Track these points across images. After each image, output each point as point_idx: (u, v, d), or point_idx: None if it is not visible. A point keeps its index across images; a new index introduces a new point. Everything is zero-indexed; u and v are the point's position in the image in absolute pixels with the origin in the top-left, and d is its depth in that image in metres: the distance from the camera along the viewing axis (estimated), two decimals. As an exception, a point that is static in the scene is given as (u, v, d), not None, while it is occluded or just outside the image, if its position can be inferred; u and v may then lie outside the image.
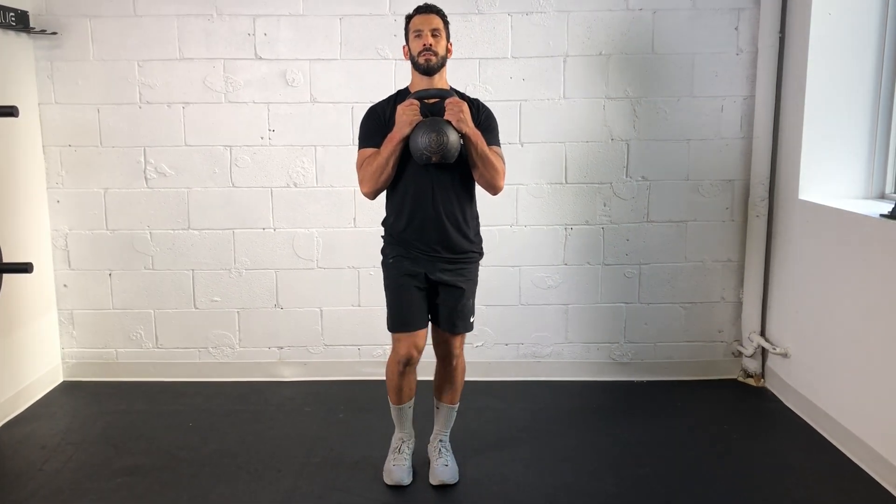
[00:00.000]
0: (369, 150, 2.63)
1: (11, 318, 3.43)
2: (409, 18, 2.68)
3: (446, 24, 2.67)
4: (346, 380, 3.82)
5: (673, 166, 3.70)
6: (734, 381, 3.81)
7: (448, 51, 2.67)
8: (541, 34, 3.60)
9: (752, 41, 3.61)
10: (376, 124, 2.65)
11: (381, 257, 2.77)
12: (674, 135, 3.68)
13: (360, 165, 2.64)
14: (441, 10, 2.67)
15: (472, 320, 2.77)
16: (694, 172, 3.71)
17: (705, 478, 2.86)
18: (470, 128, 2.53)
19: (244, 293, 3.80)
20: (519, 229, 3.75)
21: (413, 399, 2.82)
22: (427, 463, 2.91)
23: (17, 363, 3.48)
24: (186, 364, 3.84)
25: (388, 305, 2.74)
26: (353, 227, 3.74)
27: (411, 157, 2.56)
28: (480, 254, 2.79)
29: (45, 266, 3.70)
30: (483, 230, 2.82)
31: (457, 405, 2.89)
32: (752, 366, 3.78)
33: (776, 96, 3.57)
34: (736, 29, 3.61)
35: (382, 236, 2.78)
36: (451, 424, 2.92)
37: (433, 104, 2.60)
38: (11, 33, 3.42)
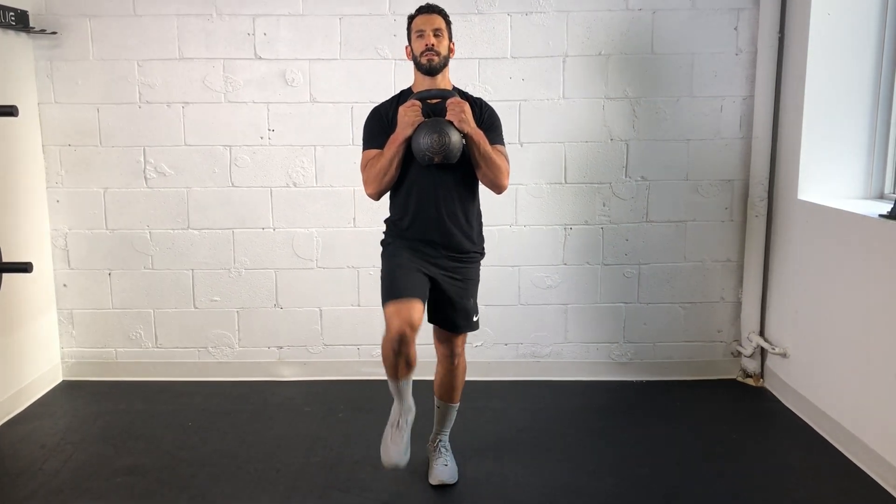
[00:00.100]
0: (373, 152, 2.63)
1: (11, 317, 3.43)
2: (411, 18, 2.67)
3: (448, 23, 2.67)
4: (345, 379, 3.82)
5: (672, 166, 3.71)
6: (733, 381, 3.82)
7: (450, 50, 2.67)
8: (540, 34, 3.61)
9: (752, 41, 3.61)
10: (379, 125, 2.65)
11: (381, 249, 2.74)
12: (673, 135, 3.68)
13: (364, 167, 2.64)
14: (443, 10, 2.67)
15: (475, 319, 2.77)
16: (693, 172, 3.71)
17: (704, 478, 2.86)
18: (472, 127, 2.53)
19: (244, 293, 3.80)
20: (518, 229, 3.75)
21: (412, 375, 2.59)
22: (427, 463, 2.91)
23: (16, 362, 3.48)
24: (186, 364, 3.84)
25: (382, 279, 2.65)
26: (352, 227, 3.74)
27: (415, 158, 2.56)
28: (482, 254, 2.79)
29: (44, 265, 3.70)
30: (483, 230, 2.82)
31: (457, 404, 2.89)
32: (752, 366, 3.78)
33: (775, 96, 3.57)
34: (735, 29, 3.61)
35: (384, 232, 2.77)
36: (451, 424, 2.92)
37: (435, 104, 2.60)
38: (11, 33, 3.42)
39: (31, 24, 3.51)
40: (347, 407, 3.52)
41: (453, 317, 2.71)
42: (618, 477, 2.86)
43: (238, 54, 3.62)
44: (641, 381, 3.82)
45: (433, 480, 2.80)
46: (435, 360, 2.85)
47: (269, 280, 3.79)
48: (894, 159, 3.30)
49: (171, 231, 3.75)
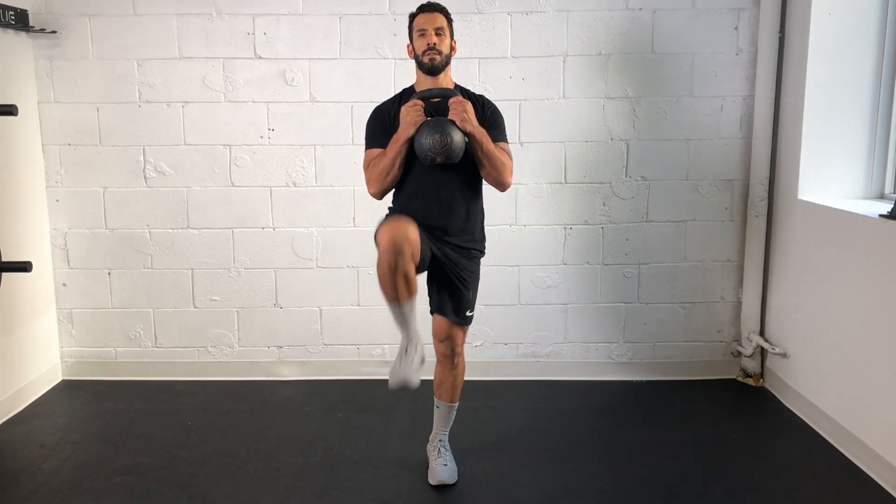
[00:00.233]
0: (376, 151, 2.63)
1: (11, 316, 3.43)
2: (412, 17, 2.67)
3: (450, 22, 2.67)
4: (345, 379, 3.81)
5: (672, 166, 3.71)
6: (733, 381, 3.82)
7: (452, 49, 2.67)
8: (540, 34, 3.60)
9: (752, 41, 3.61)
10: (381, 125, 2.65)
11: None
12: (673, 135, 3.68)
13: (367, 166, 2.64)
14: (444, 9, 2.67)
15: (469, 314, 2.76)
16: (693, 172, 3.71)
17: (704, 478, 2.86)
18: (474, 127, 2.53)
19: (243, 292, 3.80)
20: (518, 229, 3.75)
21: (414, 299, 2.47)
22: (426, 462, 2.90)
23: (16, 362, 3.47)
24: (185, 363, 3.84)
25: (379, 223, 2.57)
26: (352, 227, 3.74)
27: (417, 157, 2.56)
28: (483, 252, 2.79)
29: (44, 265, 3.70)
30: (484, 229, 2.82)
31: (456, 404, 2.89)
32: (752, 366, 3.78)
33: (776, 96, 3.57)
34: (736, 29, 3.61)
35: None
36: (451, 423, 2.91)
37: (437, 103, 2.60)
38: (11, 32, 3.42)
39: (31, 24, 3.51)
40: (347, 407, 3.51)
41: (453, 304, 2.70)
42: (617, 477, 2.86)
43: (238, 54, 3.62)
44: (641, 381, 3.82)
45: (433, 480, 2.79)
46: (435, 360, 2.84)
47: (269, 280, 3.79)
48: (894, 159, 3.30)
49: (171, 230, 3.75)
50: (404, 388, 2.50)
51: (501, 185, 2.65)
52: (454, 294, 2.70)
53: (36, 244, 3.63)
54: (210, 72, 3.63)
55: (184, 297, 3.80)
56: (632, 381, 3.82)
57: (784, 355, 3.54)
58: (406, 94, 2.69)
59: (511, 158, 2.66)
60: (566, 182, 3.72)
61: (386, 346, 3.81)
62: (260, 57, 3.63)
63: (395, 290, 2.41)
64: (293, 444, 3.12)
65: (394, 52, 3.60)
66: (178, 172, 3.70)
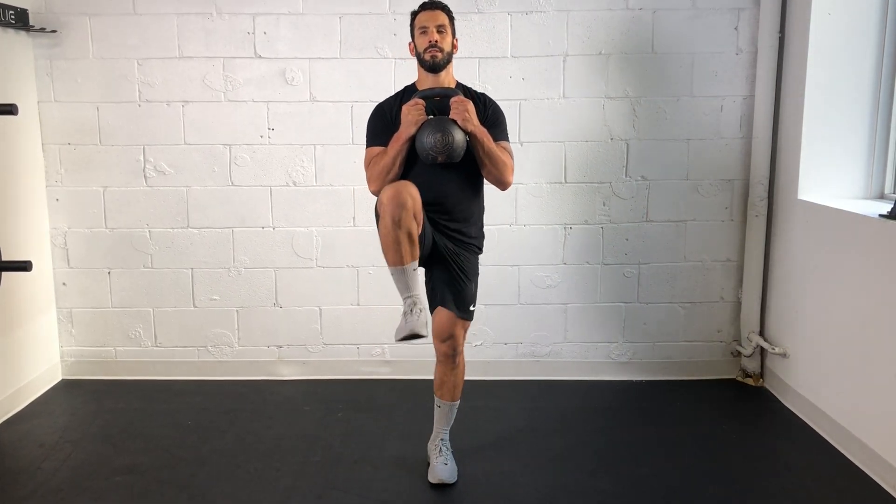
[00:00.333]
0: (377, 149, 2.63)
1: (10, 316, 3.43)
2: (414, 15, 2.67)
3: (451, 19, 2.67)
4: (345, 379, 3.81)
5: (672, 166, 3.71)
6: (733, 380, 3.82)
7: (454, 47, 2.67)
8: (540, 33, 3.60)
9: (752, 41, 3.61)
10: (383, 123, 2.65)
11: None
12: (673, 134, 3.68)
13: (368, 164, 2.64)
14: (446, 6, 2.68)
15: (472, 308, 2.76)
16: (693, 172, 3.71)
17: (704, 478, 2.86)
18: (475, 126, 2.53)
19: (243, 292, 3.80)
20: (518, 228, 3.75)
21: (416, 262, 2.48)
22: (426, 462, 2.90)
23: (16, 361, 3.47)
24: (185, 363, 3.84)
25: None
26: (352, 227, 3.73)
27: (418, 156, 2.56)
28: (480, 249, 2.79)
29: (44, 264, 3.70)
30: (483, 228, 2.82)
31: (457, 403, 2.88)
32: (751, 366, 3.78)
33: (776, 96, 3.57)
34: (736, 29, 3.61)
35: None
36: (451, 422, 2.91)
37: (439, 102, 2.60)
38: (11, 31, 3.42)
39: (31, 23, 3.51)
40: (347, 406, 3.51)
41: (453, 294, 2.69)
42: (617, 477, 2.86)
43: (238, 53, 3.62)
44: (641, 381, 3.82)
45: (433, 479, 2.79)
46: (435, 359, 2.84)
47: (269, 279, 3.79)
48: (894, 159, 3.30)
49: (171, 230, 3.74)
50: (413, 338, 2.46)
51: (502, 184, 2.65)
52: (456, 286, 2.70)
53: (36, 243, 3.63)
54: (210, 71, 3.63)
55: (184, 297, 3.80)
56: (631, 381, 3.82)
57: (784, 355, 3.54)
58: (408, 92, 2.69)
59: (512, 157, 2.66)
60: (566, 182, 3.72)
61: (386, 346, 3.81)
62: (260, 56, 3.63)
63: (399, 248, 2.41)
64: (293, 444, 3.12)
65: (394, 51, 3.60)
66: (178, 172, 3.70)
